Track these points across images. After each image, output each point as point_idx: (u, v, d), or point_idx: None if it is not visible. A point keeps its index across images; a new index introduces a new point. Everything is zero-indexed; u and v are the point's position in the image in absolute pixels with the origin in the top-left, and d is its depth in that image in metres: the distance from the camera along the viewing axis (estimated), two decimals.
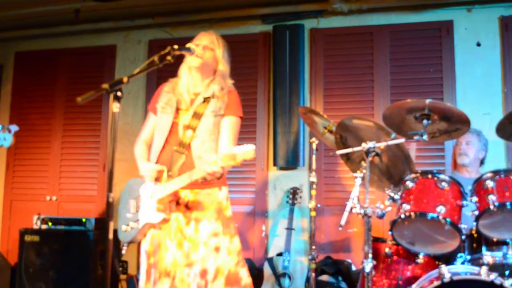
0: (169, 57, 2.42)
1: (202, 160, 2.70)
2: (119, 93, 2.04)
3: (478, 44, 4.73)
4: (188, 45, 2.75)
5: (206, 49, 2.84)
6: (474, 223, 2.97)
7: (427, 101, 2.91)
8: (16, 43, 5.98)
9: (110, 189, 1.98)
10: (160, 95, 2.93)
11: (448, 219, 2.90)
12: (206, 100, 2.81)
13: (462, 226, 2.95)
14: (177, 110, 2.84)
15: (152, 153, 2.85)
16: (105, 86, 2.02)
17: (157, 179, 2.72)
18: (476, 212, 2.97)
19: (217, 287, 2.68)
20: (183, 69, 2.90)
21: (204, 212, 2.74)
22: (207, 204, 2.75)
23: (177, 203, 2.73)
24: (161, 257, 2.69)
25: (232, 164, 2.42)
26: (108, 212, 1.99)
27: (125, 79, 2.08)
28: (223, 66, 2.89)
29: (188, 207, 2.73)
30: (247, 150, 2.37)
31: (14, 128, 3.35)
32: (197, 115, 2.79)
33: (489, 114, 4.57)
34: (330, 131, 3.83)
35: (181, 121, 2.81)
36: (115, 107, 2.03)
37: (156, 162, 2.79)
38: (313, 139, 3.99)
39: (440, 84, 4.71)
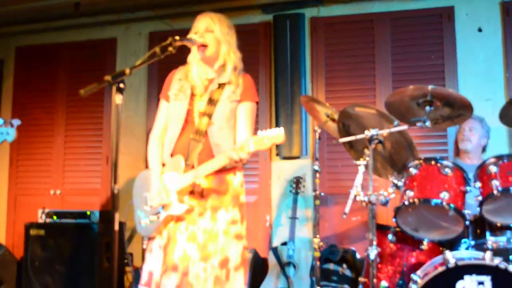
0: (170, 48, 2.41)
1: (219, 147, 2.66)
2: (121, 85, 2.04)
3: (480, 30, 4.71)
4: (189, 35, 2.74)
5: (205, 34, 2.76)
6: (478, 209, 2.98)
7: (430, 87, 2.91)
8: (16, 38, 5.97)
9: (115, 181, 1.99)
10: (172, 82, 2.87)
11: (452, 205, 2.92)
12: (221, 86, 2.77)
13: (466, 211, 2.96)
14: (191, 96, 2.78)
15: (167, 142, 2.79)
16: (108, 78, 2.03)
17: (177, 169, 2.67)
18: (480, 198, 2.98)
19: (239, 275, 2.65)
20: (191, 58, 2.84)
21: (220, 199, 2.69)
22: (222, 191, 2.70)
23: (191, 192, 2.66)
24: (169, 250, 2.63)
25: (261, 149, 2.40)
26: (114, 204, 2.00)
27: (127, 71, 2.09)
28: (226, 43, 2.79)
29: (203, 195, 2.67)
30: (277, 134, 2.35)
31: (17, 122, 3.36)
32: (212, 102, 2.73)
33: (491, 99, 4.56)
34: (333, 120, 3.83)
35: (196, 108, 2.75)
36: (118, 99, 2.03)
37: (173, 152, 2.74)
38: (316, 127, 4.00)
39: (442, 71, 4.69)
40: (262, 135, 2.38)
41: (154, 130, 2.91)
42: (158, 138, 2.88)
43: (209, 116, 2.72)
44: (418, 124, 2.94)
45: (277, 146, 4.90)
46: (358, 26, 4.98)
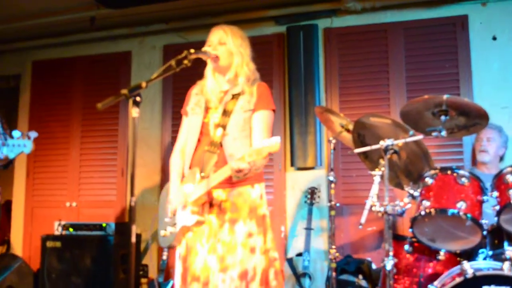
0: (185, 61, 2.44)
1: (234, 158, 2.64)
2: (138, 98, 2.05)
3: (494, 38, 4.69)
4: (204, 48, 2.77)
5: (218, 46, 2.80)
6: (495, 218, 2.95)
7: (445, 96, 2.90)
8: (32, 52, 6.06)
9: (132, 193, 2.00)
10: (190, 98, 2.95)
11: (469, 215, 2.89)
12: (234, 96, 2.80)
13: (483, 221, 2.93)
14: (207, 109, 2.83)
15: (187, 155, 2.84)
16: (124, 91, 2.04)
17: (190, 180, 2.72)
18: (497, 207, 2.95)
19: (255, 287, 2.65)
20: (207, 71, 2.90)
21: (238, 212, 2.70)
22: (240, 204, 2.71)
23: (211, 205, 2.70)
24: (191, 261, 2.68)
25: (261, 159, 2.40)
26: (130, 216, 2.01)
27: (143, 84, 2.10)
28: (239, 55, 2.83)
29: (221, 208, 2.70)
30: (272, 143, 2.36)
31: (34, 134, 3.42)
32: (226, 113, 2.76)
33: (507, 108, 4.53)
34: (348, 130, 3.82)
35: (211, 120, 2.79)
36: (134, 112, 2.04)
37: (190, 164, 2.79)
38: (331, 138, 3.99)
39: (457, 80, 4.67)
40: (261, 144, 2.39)
41: (176, 145, 2.99)
42: (180, 151, 2.95)
43: (224, 127, 2.74)
44: (434, 133, 2.93)
45: (292, 157, 4.90)
46: (372, 36, 4.98)
